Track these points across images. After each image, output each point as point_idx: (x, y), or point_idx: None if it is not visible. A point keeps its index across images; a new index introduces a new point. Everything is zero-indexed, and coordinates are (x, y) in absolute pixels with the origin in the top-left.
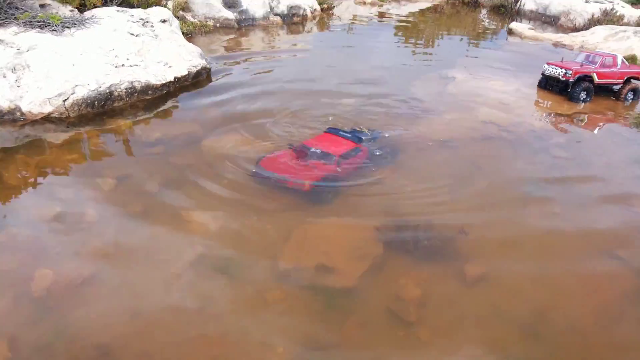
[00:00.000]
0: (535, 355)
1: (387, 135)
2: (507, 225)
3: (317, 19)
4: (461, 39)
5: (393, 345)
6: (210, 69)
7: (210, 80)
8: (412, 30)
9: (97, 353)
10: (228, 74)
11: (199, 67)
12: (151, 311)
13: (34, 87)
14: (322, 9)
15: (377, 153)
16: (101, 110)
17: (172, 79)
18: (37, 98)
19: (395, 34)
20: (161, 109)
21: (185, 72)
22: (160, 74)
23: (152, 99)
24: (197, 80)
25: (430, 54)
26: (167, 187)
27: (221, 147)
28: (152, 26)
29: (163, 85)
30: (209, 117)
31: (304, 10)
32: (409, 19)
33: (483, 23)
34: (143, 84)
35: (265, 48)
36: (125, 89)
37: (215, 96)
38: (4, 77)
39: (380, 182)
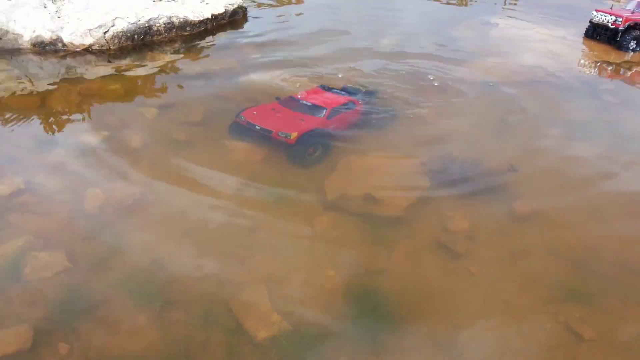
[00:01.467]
0: (585, 289)
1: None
2: (557, 163)
3: None
4: None
5: (442, 274)
6: (246, 9)
7: (247, 20)
8: None
9: (152, 267)
10: (263, 16)
11: (235, 6)
12: (201, 232)
13: (74, 18)
14: None
15: (376, 113)
16: (141, 43)
17: (209, 16)
18: (77, 29)
19: None
20: (199, 44)
21: (222, 10)
22: (197, 11)
23: (190, 35)
24: (233, 19)
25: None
26: (210, 118)
27: (261, 83)
28: None
29: (201, 22)
30: (247, 55)
31: None
32: None
33: None
34: (181, 20)
35: None
36: (164, 23)
37: (252, 35)
38: (45, 7)
39: (424, 120)
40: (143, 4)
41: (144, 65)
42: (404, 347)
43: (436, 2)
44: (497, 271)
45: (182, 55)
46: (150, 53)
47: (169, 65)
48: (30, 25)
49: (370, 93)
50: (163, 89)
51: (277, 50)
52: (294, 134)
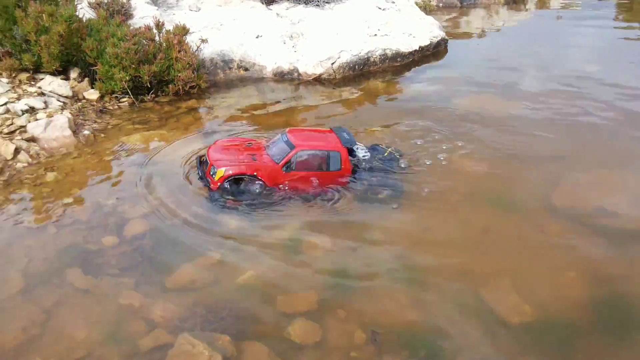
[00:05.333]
0: None
1: (403, 166)
2: None
3: None
4: None
5: None
6: (447, 40)
7: (447, 51)
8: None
9: (405, 255)
10: (462, 47)
11: (439, 38)
12: (438, 235)
13: (308, 52)
14: None
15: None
16: (359, 73)
17: (417, 48)
18: (310, 61)
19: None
20: (408, 73)
21: (427, 42)
22: (407, 43)
23: (400, 65)
24: (436, 51)
25: None
26: (424, 135)
27: (469, 106)
28: (394, 2)
29: (410, 53)
30: (453, 81)
31: None
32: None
33: None
34: (393, 51)
35: (487, 25)
36: (379, 55)
37: (456, 64)
38: (284, 43)
39: None
40: (363, 39)
41: (363, 91)
42: None
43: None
44: None
45: (395, 82)
46: (367, 81)
47: (385, 90)
48: (272, 58)
49: (392, 159)
50: (380, 112)
51: (477, 77)
52: (218, 178)
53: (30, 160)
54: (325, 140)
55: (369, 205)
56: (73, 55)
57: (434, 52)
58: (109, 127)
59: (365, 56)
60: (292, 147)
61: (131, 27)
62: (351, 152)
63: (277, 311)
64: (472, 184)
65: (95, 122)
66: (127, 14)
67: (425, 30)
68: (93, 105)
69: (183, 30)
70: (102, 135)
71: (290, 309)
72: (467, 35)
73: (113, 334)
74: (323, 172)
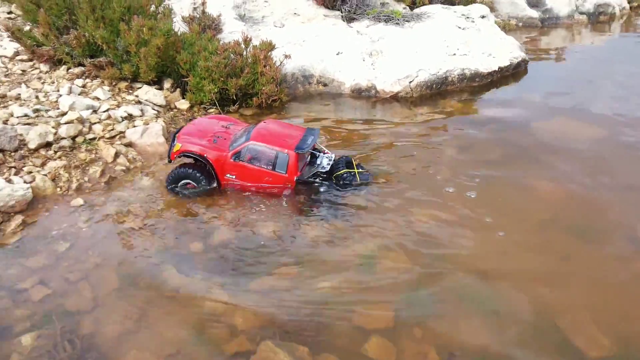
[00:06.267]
0: None
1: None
2: None
3: (624, 17)
4: None
5: None
6: (528, 61)
7: (527, 72)
8: None
9: (479, 280)
10: (543, 68)
11: (519, 59)
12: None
13: (386, 69)
14: (630, 7)
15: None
16: (436, 92)
17: (496, 68)
18: (388, 79)
19: None
20: (487, 94)
21: (507, 63)
22: (486, 63)
23: (478, 86)
24: (516, 72)
25: None
26: (509, 158)
27: (549, 130)
28: (473, 21)
29: (488, 73)
30: (532, 104)
31: (613, 8)
32: None
33: None
34: (472, 71)
35: (569, 46)
36: (458, 75)
37: (536, 86)
38: (363, 60)
39: None
40: (441, 58)
41: (439, 111)
42: None
43: None
44: None
45: (472, 103)
46: (443, 100)
47: (462, 111)
48: (351, 75)
49: (362, 176)
50: (460, 131)
51: (558, 101)
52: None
53: (128, 164)
54: (284, 140)
55: (446, 228)
56: (167, 67)
57: (513, 73)
58: None
59: (444, 75)
60: (247, 139)
61: (221, 42)
62: (314, 157)
63: (353, 326)
64: (553, 211)
65: None
66: (217, 29)
67: (505, 51)
68: (183, 115)
69: (269, 46)
70: None
71: (366, 324)
72: (548, 56)
73: (199, 335)
74: (268, 171)
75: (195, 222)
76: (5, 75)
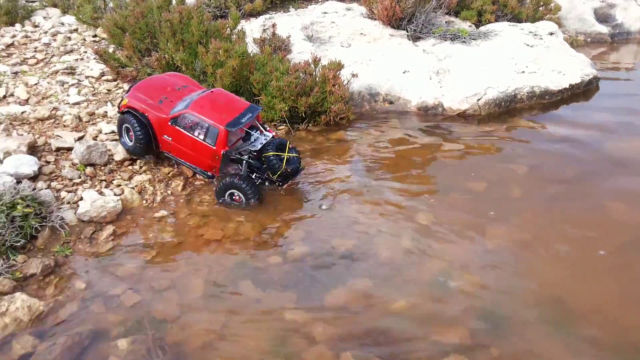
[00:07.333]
0: None
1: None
2: None
3: None
4: None
5: None
6: (599, 79)
7: (598, 89)
8: None
9: (552, 300)
10: (615, 86)
11: (590, 76)
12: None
13: (453, 87)
14: None
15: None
16: (504, 110)
17: (567, 86)
18: (456, 96)
19: None
20: (557, 112)
21: (578, 80)
22: (556, 81)
23: (548, 103)
24: (587, 89)
25: None
26: (582, 178)
27: (625, 151)
28: (541, 38)
29: (559, 91)
30: (605, 123)
31: None
32: None
33: None
34: (542, 89)
35: None
36: (527, 92)
37: (608, 105)
38: (430, 79)
39: None
40: (510, 75)
41: (508, 129)
42: None
43: None
44: None
45: (541, 121)
46: (511, 118)
47: (532, 129)
48: (417, 93)
49: (291, 161)
50: (529, 150)
51: (630, 122)
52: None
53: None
54: (220, 115)
55: (521, 248)
56: (241, 86)
57: (584, 91)
58: None
59: (512, 93)
60: (186, 107)
61: (291, 62)
62: (248, 136)
63: (430, 341)
64: (632, 233)
65: None
66: (286, 49)
67: (576, 68)
68: None
69: (338, 66)
70: None
71: (443, 341)
72: (620, 73)
73: (280, 346)
74: (199, 141)
75: (273, 235)
76: (93, 95)
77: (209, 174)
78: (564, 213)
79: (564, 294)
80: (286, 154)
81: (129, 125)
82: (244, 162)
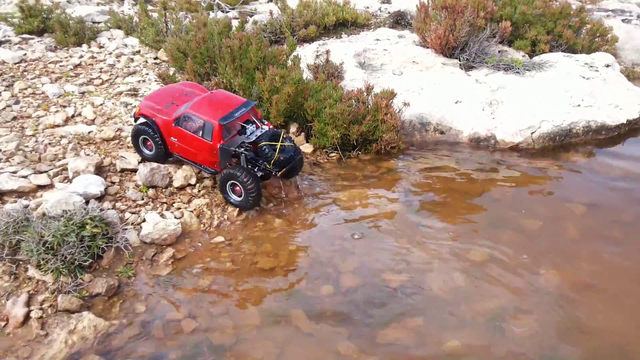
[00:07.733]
0: None
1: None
2: None
3: None
4: None
5: None
6: None
7: None
8: None
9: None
10: None
11: None
12: None
13: (507, 119)
14: None
15: None
16: (559, 144)
17: (624, 121)
18: (509, 129)
19: None
20: (614, 148)
21: (636, 116)
22: (613, 116)
23: (604, 139)
24: None
25: None
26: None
27: None
28: (597, 70)
29: (616, 126)
30: None
31: None
32: None
33: None
34: (598, 124)
35: None
36: (583, 127)
37: None
38: (483, 110)
39: None
40: (565, 109)
41: (563, 165)
42: None
43: None
44: None
45: (598, 158)
46: (567, 153)
47: (588, 166)
48: (469, 123)
49: (285, 150)
50: (586, 189)
51: None
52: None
53: (262, 205)
54: (215, 111)
55: (581, 291)
56: (294, 112)
57: None
58: (321, 179)
59: (568, 127)
60: (186, 107)
61: (344, 89)
62: (244, 130)
63: None
64: None
65: (310, 174)
66: (339, 76)
67: (633, 102)
68: (307, 158)
69: (391, 95)
70: (317, 188)
71: None
72: None
73: None
74: (198, 137)
75: (326, 265)
76: None
77: (212, 169)
78: (625, 257)
79: (626, 344)
80: (279, 143)
81: (146, 137)
82: (242, 154)
